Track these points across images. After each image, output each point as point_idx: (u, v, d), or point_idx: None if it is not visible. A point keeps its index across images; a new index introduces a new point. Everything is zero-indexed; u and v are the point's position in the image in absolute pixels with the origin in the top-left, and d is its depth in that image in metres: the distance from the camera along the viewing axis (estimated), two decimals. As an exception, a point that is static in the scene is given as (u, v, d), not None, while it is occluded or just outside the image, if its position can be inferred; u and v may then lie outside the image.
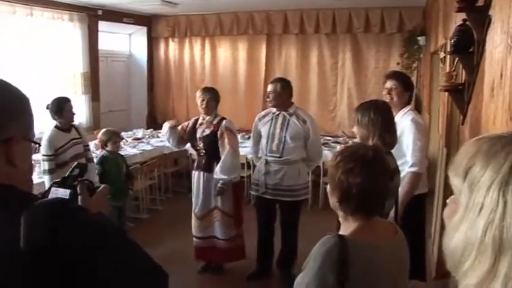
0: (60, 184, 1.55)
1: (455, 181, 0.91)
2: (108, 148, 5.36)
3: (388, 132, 3.10)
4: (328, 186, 1.99)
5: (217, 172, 4.88)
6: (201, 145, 5.00)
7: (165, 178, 7.96)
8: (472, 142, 0.91)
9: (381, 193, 1.92)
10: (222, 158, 4.88)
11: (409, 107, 4.08)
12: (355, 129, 3.23)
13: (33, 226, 1.09)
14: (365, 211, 1.90)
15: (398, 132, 3.37)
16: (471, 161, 0.86)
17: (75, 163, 1.67)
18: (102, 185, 1.63)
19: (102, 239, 1.19)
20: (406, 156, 3.81)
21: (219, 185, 4.90)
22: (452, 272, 0.87)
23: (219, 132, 4.93)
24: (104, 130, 5.52)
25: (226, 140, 4.89)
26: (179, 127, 5.22)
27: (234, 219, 5.10)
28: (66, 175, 1.61)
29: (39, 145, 1.49)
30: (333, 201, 1.96)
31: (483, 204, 0.81)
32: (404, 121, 3.87)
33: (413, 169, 3.78)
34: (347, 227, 1.93)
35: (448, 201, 0.98)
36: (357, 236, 1.85)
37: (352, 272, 1.76)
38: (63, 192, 1.53)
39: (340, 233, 1.92)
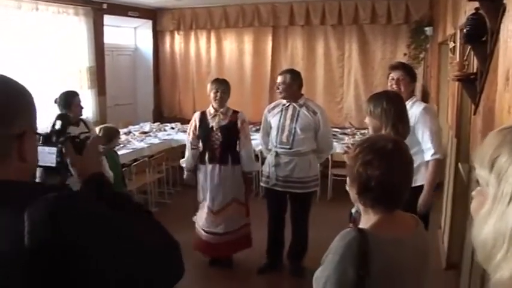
0: (45, 142, 1.47)
1: (481, 173, 0.89)
2: (111, 145, 5.35)
3: (401, 123, 3.08)
4: (347, 179, 1.96)
5: (249, 165, 5.05)
6: (218, 135, 4.95)
7: (173, 171, 7.94)
8: (495, 133, 0.89)
9: (401, 186, 1.87)
10: (248, 150, 5.03)
11: (415, 97, 4.11)
12: (367, 120, 3.21)
13: (37, 223, 1.06)
14: (385, 204, 1.87)
15: (411, 122, 3.37)
16: (497, 152, 0.85)
17: (57, 115, 1.55)
18: (91, 135, 1.54)
19: (105, 234, 1.15)
20: (422, 144, 3.79)
21: (249, 175, 5.18)
22: (484, 265, 0.85)
23: (239, 123, 4.96)
24: (103, 127, 5.48)
25: (246, 132, 5.00)
26: (190, 132, 5.18)
27: (245, 207, 5.15)
28: (49, 131, 1.50)
29: (43, 137, 1.46)
30: (352, 193, 1.93)
31: None
32: (415, 110, 3.85)
33: (436, 156, 3.77)
34: (367, 220, 1.89)
35: (473, 193, 0.96)
36: (377, 230, 1.82)
37: (372, 266, 1.73)
38: (49, 151, 1.46)
39: (361, 226, 1.89)
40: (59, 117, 1.50)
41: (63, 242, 1.06)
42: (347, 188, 1.99)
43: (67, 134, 1.52)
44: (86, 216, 1.15)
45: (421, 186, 3.77)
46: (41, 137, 1.45)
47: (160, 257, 1.27)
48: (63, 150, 1.45)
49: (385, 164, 1.81)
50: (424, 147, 3.79)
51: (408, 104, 3.82)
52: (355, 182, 1.88)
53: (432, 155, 3.76)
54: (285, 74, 4.86)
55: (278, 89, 4.85)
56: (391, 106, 3.07)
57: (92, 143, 1.52)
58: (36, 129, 1.30)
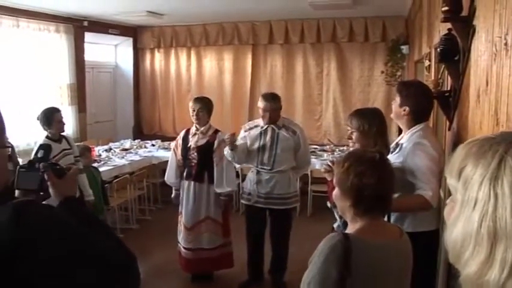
0: (28, 168, 1.62)
1: (451, 182, 0.99)
2: (86, 163, 5.47)
3: (381, 137, 3.23)
4: (335, 192, 2.07)
5: (224, 185, 4.98)
6: (195, 154, 5.01)
7: (154, 188, 7.98)
8: (463, 146, 0.99)
9: (389, 192, 2.05)
10: (225, 171, 5.00)
11: (420, 126, 3.12)
12: (354, 136, 3.30)
13: (4, 222, 1.18)
14: (378, 210, 2.02)
15: (401, 158, 3.07)
16: (463, 163, 0.95)
17: (39, 144, 1.77)
18: (73, 167, 1.72)
19: (63, 238, 1.26)
20: (417, 184, 2.96)
21: (222, 197, 5.03)
22: (454, 263, 0.94)
23: (215, 143, 4.99)
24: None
25: (222, 152, 4.94)
26: (175, 150, 5.21)
27: (222, 227, 5.16)
28: (32, 158, 1.69)
29: (28, 162, 1.63)
30: (343, 204, 2.04)
31: (477, 199, 0.89)
32: (409, 144, 3.07)
33: (429, 194, 2.90)
34: (353, 228, 2.02)
35: (447, 201, 1.05)
36: (361, 235, 1.94)
37: (355, 268, 1.85)
38: (32, 175, 1.62)
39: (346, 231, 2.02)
40: (42, 147, 1.68)
41: (25, 240, 1.18)
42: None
43: (49, 161, 1.68)
44: (46, 219, 1.27)
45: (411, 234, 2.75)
46: (27, 163, 1.64)
47: (118, 269, 1.37)
48: (45, 176, 1.60)
49: (377, 173, 1.97)
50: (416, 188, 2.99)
51: (408, 133, 3.18)
52: (349, 194, 1.99)
53: (425, 191, 2.92)
54: (271, 100, 4.84)
55: (265, 115, 4.82)
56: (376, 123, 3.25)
57: (72, 172, 1.69)
58: (6, 139, 1.41)
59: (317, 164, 7.15)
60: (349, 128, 3.39)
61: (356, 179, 1.97)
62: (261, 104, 4.86)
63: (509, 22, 1.87)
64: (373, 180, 1.95)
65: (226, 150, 4.81)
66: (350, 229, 2.04)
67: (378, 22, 8.92)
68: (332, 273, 1.84)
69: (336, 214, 2.67)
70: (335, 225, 2.85)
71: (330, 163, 3.13)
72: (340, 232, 2.00)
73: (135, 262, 1.44)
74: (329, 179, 3.03)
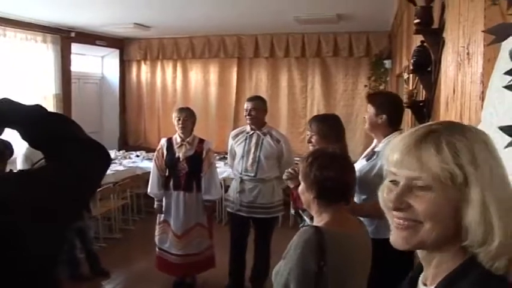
0: None
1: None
2: None
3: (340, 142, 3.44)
4: (301, 187, 2.19)
5: (208, 193, 5.10)
6: (184, 165, 5.07)
7: (138, 198, 8.01)
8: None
9: (352, 185, 2.22)
10: (209, 178, 5.11)
11: (396, 133, 3.10)
12: (313, 139, 3.45)
13: None
14: (340, 203, 2.15)
15: (378, 164, 3.04)
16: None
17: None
18: None
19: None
20: None
21: (207, 204, 5.17)
22: None
23: (204, 153, 5.09)
24: None
25: (211, 160, 5.10)
26: (156, 160, 5.26)
27: (208, 230, 5.25)
28: None
29: None
30: (308, 198, 2.16)
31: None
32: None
33: None
34: (320, 221, 2.14)
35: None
36: (330, 227, 2.06)
37: (329, 258, 1.96)
38: None
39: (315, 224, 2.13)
40: None
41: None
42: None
43: None
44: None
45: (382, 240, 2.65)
46: None
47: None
48: None
49: (337, 166, 2.11)
50: None
51: (384, 142, 3.21)
52: (312, 186, 2.12)
53: None
54: (256, 100, 5.02)
55: (250, 115, 4.93)
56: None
57: None
58: None
59: (300, 175, 7.21)
60: (308, 133, 3.55)
61: (318, 172, 2.09)
62: (244, 105, 5.02)
63: (470, 33, 1.98)
64: (334, 172, 2.08)
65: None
66: (317, 222, 2.15)
67: (362, 37, 9.06)
68: (310, 264, 1.95)
69: (304, 216, 2.78)
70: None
71: (291, 170, 3.24)
72: (312, 226, 2.10)
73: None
74: (291, 186, 3.18)
